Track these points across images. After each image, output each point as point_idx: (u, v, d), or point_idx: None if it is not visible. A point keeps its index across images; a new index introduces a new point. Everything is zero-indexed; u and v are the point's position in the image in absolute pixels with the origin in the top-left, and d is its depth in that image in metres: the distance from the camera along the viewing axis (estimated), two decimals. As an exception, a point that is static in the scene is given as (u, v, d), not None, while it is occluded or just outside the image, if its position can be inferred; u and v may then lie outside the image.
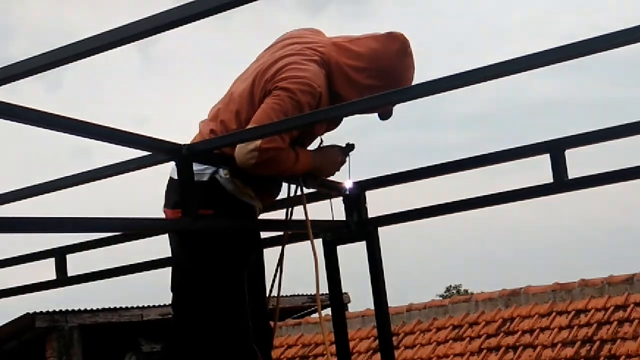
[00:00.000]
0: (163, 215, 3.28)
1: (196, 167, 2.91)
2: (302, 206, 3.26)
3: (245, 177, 3.14)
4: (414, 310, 10.32)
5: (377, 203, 3.52)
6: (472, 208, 3.33)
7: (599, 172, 3.00)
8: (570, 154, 3.00)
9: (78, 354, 11.63)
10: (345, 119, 3.30)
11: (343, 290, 3.61)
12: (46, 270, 3.72)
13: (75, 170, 3.00)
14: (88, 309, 11.82)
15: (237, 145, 3.03)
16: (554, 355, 8.56)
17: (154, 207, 3.33)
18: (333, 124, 3.34)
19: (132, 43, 2.04)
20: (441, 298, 19.44)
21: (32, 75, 2.09)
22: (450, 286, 32.45)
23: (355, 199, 3.45)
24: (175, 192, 3.13)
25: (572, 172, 2.99)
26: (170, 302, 3.34)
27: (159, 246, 3.45)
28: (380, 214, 3.47)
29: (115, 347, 12.20)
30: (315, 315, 12.15)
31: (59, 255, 3.69)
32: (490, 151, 3.23)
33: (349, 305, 13.55)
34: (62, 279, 3.70)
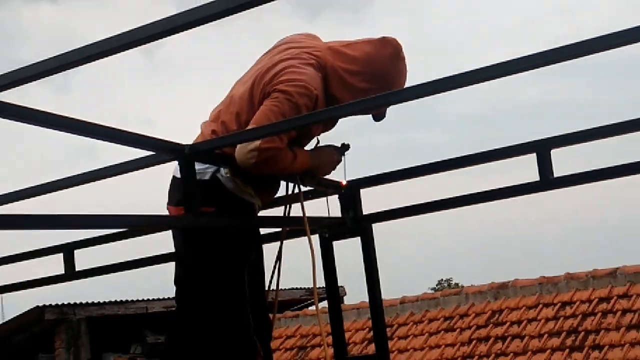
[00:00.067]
0: (166, 213, 3.28)
1: (198, 166, 2.91)
2: (299, 204, 3.26)
3: (245, 176, 3.14)
4: (407, 303, 10.32)
5: (372, 200, 3.52)
6: (463, 205, 3.33)
7: (583, 170, 3.01)
8: (560, 153, 3.01)
9: (86, 345, 11.63)
10: (340, 120, 3.30)
11: (339, 284, 3.62)
12: (55, 265, 3.72)
13: (82, 170, 3.00)
14: (95, 302, 11.82)
15: (238, 145, 3.03)
16: (540, 346, 8.57)
17: (158, 205, 3.33)
18: (329, 124, 3.34)
19: (137, 47, 2.04)
20: (433, 291, 19.41)
21: (42, 78, 2.09)
22: (442, 279, 32.45)
23: (350, 197, 3.45)
24: (178, 190, 3.13)
25: (559, 171, 3.00)
26: (173, 296, 3.35)
27: (163, 241, 3.46)
28: (374, 211, 3.47)
29: (122, 339, 12.19)
30: (313, 307, 12.15)
31: (67, 250, 3.69)
32: (480, 151, 3.23)
33: (344, 298, 13.53)
34: (70, 274, 3.70)
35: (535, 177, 3.02)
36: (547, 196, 3.14)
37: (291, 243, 3.46)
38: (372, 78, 3.20)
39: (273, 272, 3.41)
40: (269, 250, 3.44)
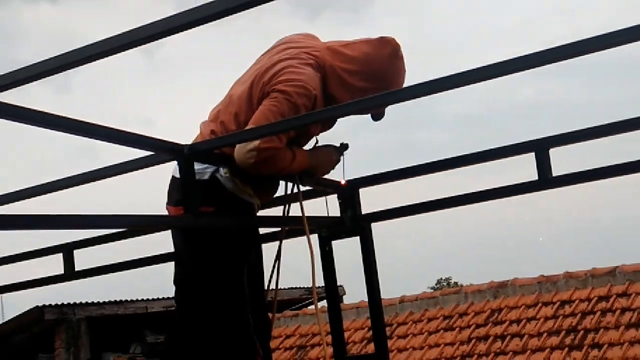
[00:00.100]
0: (166, 213, 3.28)
1: (197, 166, 2.92)
2: (298, 203, 3.27)
3: (244, 176, 3.15)
4: (406, 302, 10.33)
5: (371, 200, 3.53)
6: (461, 204, 3.34)
7: (581, 170, 3.01)
8: (555, 152, 3.01)
9: (86, 344, 11.64)
10: (339, 119, 3.31)
11: (338, 283, 3.62)
12: (55, 265, 3.72)
13: (82, 170, 3.01)
14: (95, 301, 11.82)
15: (237, 145, 3.04)
16: (540, 344, 8.57)
17: (158, 205, 3.34)
18: (328, 124, 3.35)
19: (137, 48, 2.04)
20: (432, 290, 19.40)
21: (42, 78, 2.09)
22: (441, 279, 32.41)
23: (349, 196, 3.46)
24: (178, 190, 3.13)
25: (557, 170, 3.01)
26: (173, 296, 3.35)
27: (163, 241, 3.46)
28: (373, 211, 3.48)
29: (121, 338, 12.19)
30: (312, 307, 12.15)
31: (67, 250, 3.69)
32: (477, 150, 3.24)
33: (344, 297, 13.54)
34: (70, 274, 3.70)
35: (534, 176, 3.02)
36: (542, 196, 3.14)
37: (290, 243, 3.46)
38: (370, 78, 3.21)
39: (272, 272, 3.42)
40: (268, 250, 3.45)
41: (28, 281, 3.92)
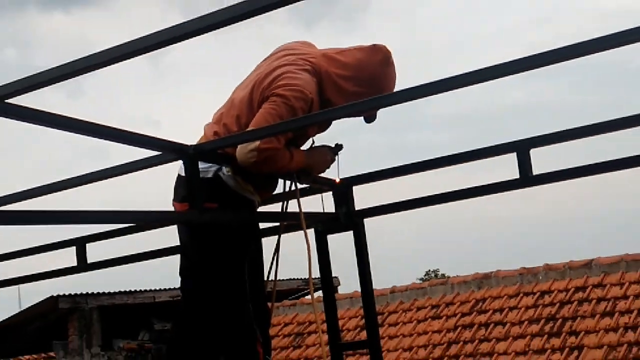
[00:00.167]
0: (172, 209, 3.28)
1: (201, 165, 2.92)
2: (296, 200, 3.27)
3: (245, 175, 3.15)
4: (396, 292, 10.33)
5: (364, 197, 3.53)
6: (448, 201, 3.33)
7: (560, 169, 3.02)
8: (535, 153, 3.01)
9: (97, 332, 11.61)
10: (334, 121, 3.31)
11: (333, 275, 3.62)
12: (68, 257, 3.72)
13: (94, 169, 3.00)
14: (106, 292, 11.79)
15: (238, 146, 3.04)
16: (521, 332, 8.59)
17: (166, 201, 3.33)
18: (324, 126, 3.34)
19: (145, 55, 2.04)
20: (421, 281, 19.42)
21: (56, 83, 2.08)
22: (429, 270, 32.40)
23: (343, 193, 3.46)
24: (183, 187, 3.13)
25: (538, 169, 3.01)
26: (179, 286, 3.35)
27: (169, 235, 3.46)
28: (366, 207, 3.48)
29: (131, 326, 12.17)
30: (309, 296, 12.15)
31: (80, 244, 3.68)
32: (464, 150, 3.24)
33: (338, 287, 13.52)
34: (83, 266, 3.69)
35: (516, 174, 3.02)
36: (527, 192, 3.14)
37: (288, 237, 3.46)
38: (363, 83, 3.21)
39: (271, 264, 3.42)
40: (268, 244, 3.45)
41: (43, 273, 3.91)
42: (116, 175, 2.95)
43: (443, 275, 28.59)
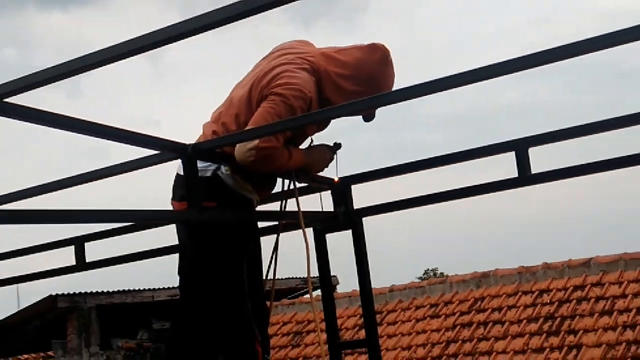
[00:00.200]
0: (171, 208, 3.28)
1: (200, 164, 2.92)
2: (295, 199, 3.26)
3: (244, 173, 3.14)
4: (395, 291, 10.34)
5: (362, 196, 3.53)
6: (447, 200, 3.33)
7: (558, 167, 3.02)
8: (534, 151, 3.01)
9: (96, 331, 11.61)
10: (333, 120, 3.31)
11: (332, 273, 3.62)
12: (67, 256, 3.72)
13: (94, 167, 3.00)
14: (105, 291, 11.79)
15: (237, 145, 3.04)
16: (520, 331, 8.59)
17: (165, 200, 3.33)
18: (322, 125, 3.34)
19: (144, 54, 2.04)
20: (420, 280, 19.39)
21: (55, 82, 2.08)
22: (428, 269, 32.41)
23: (342, 192, 3.46)
24: (182, 186, 3.13)
25: (537, 167, 3.02)
26: (177, 285, 3.35)
27: (168, 234, 3.46)
28: (364, 206, 3.48)
29: (129, 325, 12.18)
30: (308, 295, 12.15)
31: (78, 243, 3.68)
32: (462, 149, 3.24)
33: (337, 286, 13.54)
34: (81, 265, 3.69)
35: (514, 173, 3.02)
36: (526, 191, 3.14)
37: (287, 236, 3.46)
38: (362, 82, 3.21)
39: (270, 263, 3.42)
40: (267, 243, 3.45)
41: (42, 272, 3.91)
42: (115, 175, 2.95)
43: (442, 274, 28.58)
